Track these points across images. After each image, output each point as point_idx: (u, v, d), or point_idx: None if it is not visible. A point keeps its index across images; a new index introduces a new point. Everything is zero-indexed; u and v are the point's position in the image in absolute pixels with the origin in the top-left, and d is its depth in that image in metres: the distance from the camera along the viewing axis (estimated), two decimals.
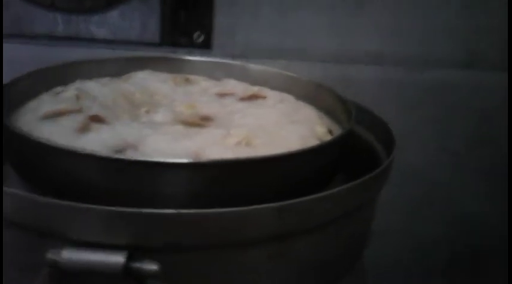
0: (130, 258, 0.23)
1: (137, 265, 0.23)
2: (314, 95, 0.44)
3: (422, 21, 0.66)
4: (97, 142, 0.30)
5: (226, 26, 0.66)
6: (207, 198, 0.26)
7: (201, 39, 0.67)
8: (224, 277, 0.26)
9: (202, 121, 0.37)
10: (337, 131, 0.39)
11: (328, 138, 0.36)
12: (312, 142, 0.34)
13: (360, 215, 0.31)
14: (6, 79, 0.39)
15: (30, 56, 0.65)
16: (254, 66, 0.49)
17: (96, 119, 0.33)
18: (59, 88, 0.40)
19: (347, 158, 0.37)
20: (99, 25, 0.66)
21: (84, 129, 0.31)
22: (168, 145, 0.30)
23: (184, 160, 0.26)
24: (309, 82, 0.45)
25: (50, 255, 0.23)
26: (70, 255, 0.23)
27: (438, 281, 0.78)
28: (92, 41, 0.66)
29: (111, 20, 0.66)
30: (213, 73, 0.49)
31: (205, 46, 0.67)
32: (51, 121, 0.32)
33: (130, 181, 0.26)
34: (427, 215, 0.74)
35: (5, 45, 0.63)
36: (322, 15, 0.66)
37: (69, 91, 0.38)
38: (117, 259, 0.23)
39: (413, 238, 0.74)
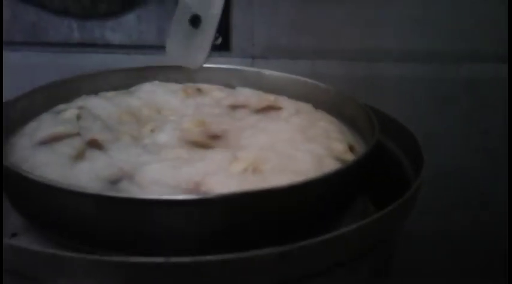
0: None
1: None
2: (334, 103, 0.41)
3: (453, 13, 0.61)
4: (91, 172, 0.28)
5: (244, 26, 0.63)
6: (206, 237, 0.24)
7: (219, 41, 0.64)
8: None
9: (209, 141, 0.34)
10: (359, 147, 0.35)
11: (348, 156, 0.33)
12: (329, 163, 0.31)
13: (377, 254, 0.28)
14: (21, 90, 0.38)
15: (47, 63, 0.64)
16: (270, 73, 0.45)
17: (94, 144, 0.31)
18: (61, 106, 0.38)
19: (370, 175, 0.34)
20: (114, 30, 0.64)
21: (79, 157, 0.29)
22: (167, 174, 0.27)
23: (176, 197, 0.23)
24: (327, 90, 0.41)
25: None
26: None
27: None
28: (108, 46, 0.64)
29: (126, 24, 0.64)
30: (228, 80, 0.46)
31: (224, 48, 0.64)
32: (47, 148, 0.30)
33: (119, 217, 0.23)
34: (461, 220, 0.69)
35: (21, 54, 0.62)
36: (345, 9, 0.61)
37: (70, 111, 0.36)
38: None
39: (447, 242, 0.70)
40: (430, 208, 0.68)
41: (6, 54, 0.61)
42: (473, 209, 0.69)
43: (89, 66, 0.47)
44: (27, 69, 0.61)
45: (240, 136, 0.34)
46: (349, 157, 0.32)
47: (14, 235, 0.30)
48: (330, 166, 0.30)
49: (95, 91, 0.42)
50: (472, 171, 0.67)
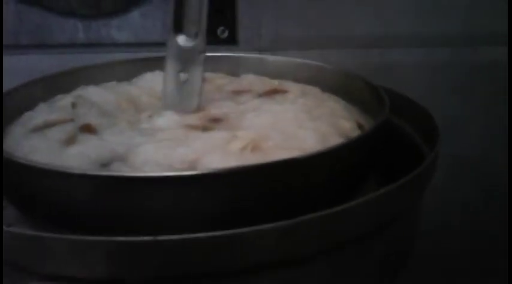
0: None
1: None
2: (342, 85, 0.39)
3: None
4: (81, 155, 0.26)
5: (251, 18, 0.61)
6: (200, 217, 0.22)
7: (225, 35, 0.63)
8: None
9: (209, 124, 0.32)
10: (369, 125, 0.33)
11: (355, 134, 0.31)
12: (335, 140, 0.29)
13: (393, 231, 0.25)
14: None
15: (53, 65, 0.63)
16: (274, 58, 0.44)
17: (87, 129, 0.29)
18: (59, 97, 0.37)
19: (382, 155, 0.32)
20: (120, 28, 0.63)
21: (70, 141, 0.28)
22: (161, 154, 0.26)
23: (163, 174, 0.22)
24: (334, 71, 0.39)
25: None
26: None
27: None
28: (114, 45, 0.64)
29: (132, 22, 0.63)
30: (232, 69, 0.45)
31: (231, 41, 0.63)
32: (38, 134, 0.29)
33: (105, 198, 0.22)
34: (482, 215, 0.65)
35: (26, 56, 0.62)
36: None
37: (65, 99, 0.34)
38: None
39: (467, 240, 0.66)
40: (449, 198, 0.65)
41: (13, 58, 0.60)
42: (495, 198, 0.65)
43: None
44: (34, 72, 0.60)
45: (242, 118, 0.32)
46: (356, 134, 0.30)
47: (8, 226, 0.29)
48: (336, 143, 0.28)
49: (96, 83, 0.41)
50: (492, 158, 0.64)
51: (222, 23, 0.62)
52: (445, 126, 0.34)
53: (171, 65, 0.33)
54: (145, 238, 0.19)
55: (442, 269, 0.62)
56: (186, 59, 0.32)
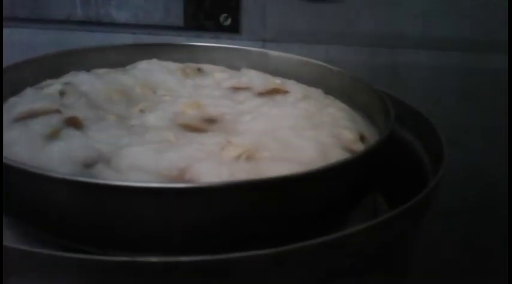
0: None
1: None
2: (346, 89, 0.37)
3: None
4: (63, 153, 0.24)
5: (255, 6, 0.59)
6: (184, 234, 0.20)
7: (228, 22, 0.61)
8: None
9: (204, 124, 0.30)
10: (371, 137, 0.31)
11: (357, 146, 0.29)
12: (336, 153, 0.27)
13: (391, 257, 0.24)
14: None
15: (48, 41, 0.61)
16: (278, 54, 0.42)
17: (73, 122, 0.27)
18: (48, 82, 0.35)
19: (383, 170, 0.30)
20: (119, 8, 0.61)
21: (53, 136, 0.26)
22: (148, 158, 0.24)
23: (148, 184, 0.20)
24: (339, 73, 0.37)
25: None
26: None
27: None
28: (112, 25, 0.61)
29: (132, 2, 0.61)
30: (232, 62, 0.43)
31: (233, 30, 0.60)
32: (21, 125, 0.27)
33: (81, 205, 0.20)
34: (490, 223, 0.64)
35: (22, 30, 0.60)
36: None
37: (54, 86, 0.32)
38: None
39: (471, 246, 0.65)
40: (451, 206, 0.63)
41: (7, 31, 0.58)
42: (498, 207, 0.64)
43: (92, 45, 0.44)
44: (29, 46, 0.58)
45: (239, 121, 0.31)
46: (359, 147, 0.29)
47: None
48: (337, 156, 0.26)
49: (88, 68, 0.39)
50: (499, 166, 0.62)
51: (225, 9, 0.60)
52: (450, 132, 0.32)
53: None
54: (122, 258, 0.18)
55: (442, 269, 0.61)
56: None
